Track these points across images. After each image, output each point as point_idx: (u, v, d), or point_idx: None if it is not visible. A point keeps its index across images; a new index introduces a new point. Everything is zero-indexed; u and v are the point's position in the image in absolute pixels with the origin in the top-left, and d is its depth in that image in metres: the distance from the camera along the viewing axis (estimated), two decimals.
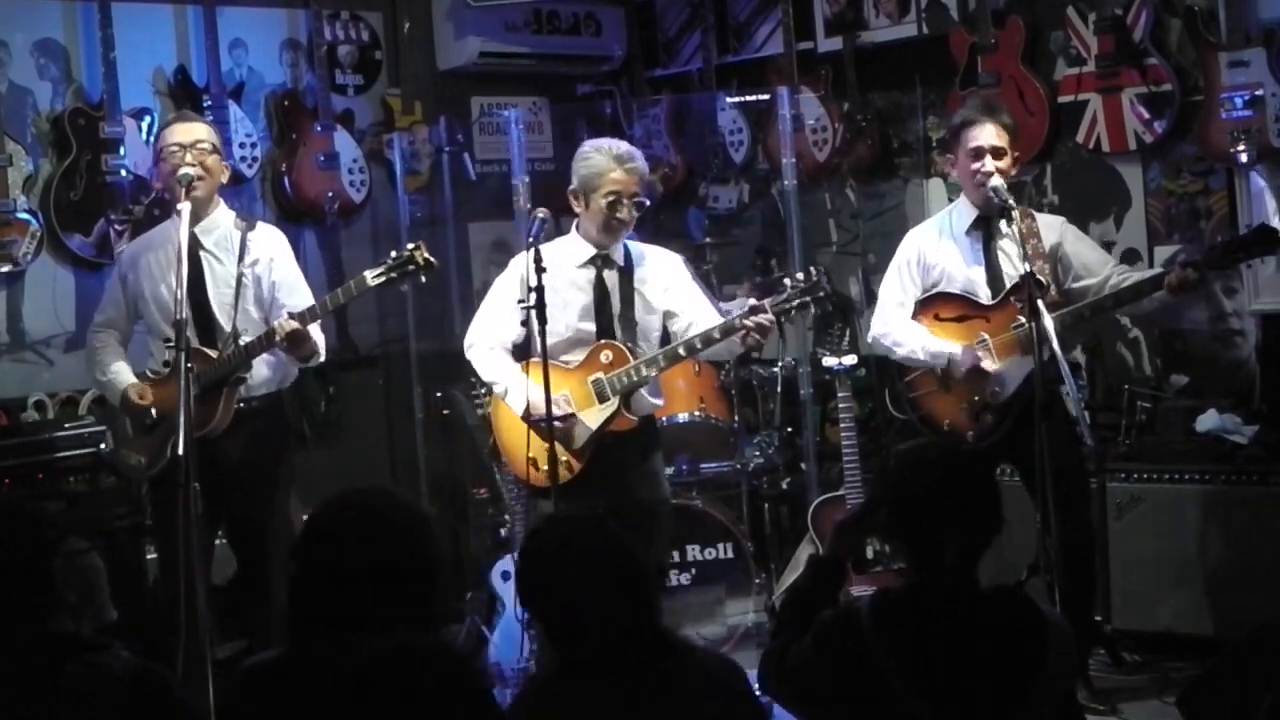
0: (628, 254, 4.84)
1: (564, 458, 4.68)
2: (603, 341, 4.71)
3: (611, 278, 4.77)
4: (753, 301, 4.60)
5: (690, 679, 2.69)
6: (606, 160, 4.69)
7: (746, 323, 4.52)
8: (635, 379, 4.67)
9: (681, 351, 4.70)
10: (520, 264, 4.81)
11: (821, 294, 4.53)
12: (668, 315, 4.85)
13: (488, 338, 4.85)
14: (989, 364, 4.92)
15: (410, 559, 2.67)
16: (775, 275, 6.71)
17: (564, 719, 2.65)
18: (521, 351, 4.85)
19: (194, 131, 4.88)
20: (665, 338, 4.90)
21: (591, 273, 4.76)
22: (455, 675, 2.68)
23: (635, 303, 4.78)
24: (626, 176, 4.67)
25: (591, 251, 4.77)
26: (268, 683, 2.66)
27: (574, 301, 4.71)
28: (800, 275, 4.56)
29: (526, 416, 4.68)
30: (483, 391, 5.24)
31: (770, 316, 4.52)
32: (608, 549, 2.73)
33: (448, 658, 2.72)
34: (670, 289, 4.85)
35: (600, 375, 4.67)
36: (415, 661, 2.63)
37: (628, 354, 4.68)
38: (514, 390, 4.76)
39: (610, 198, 4.67)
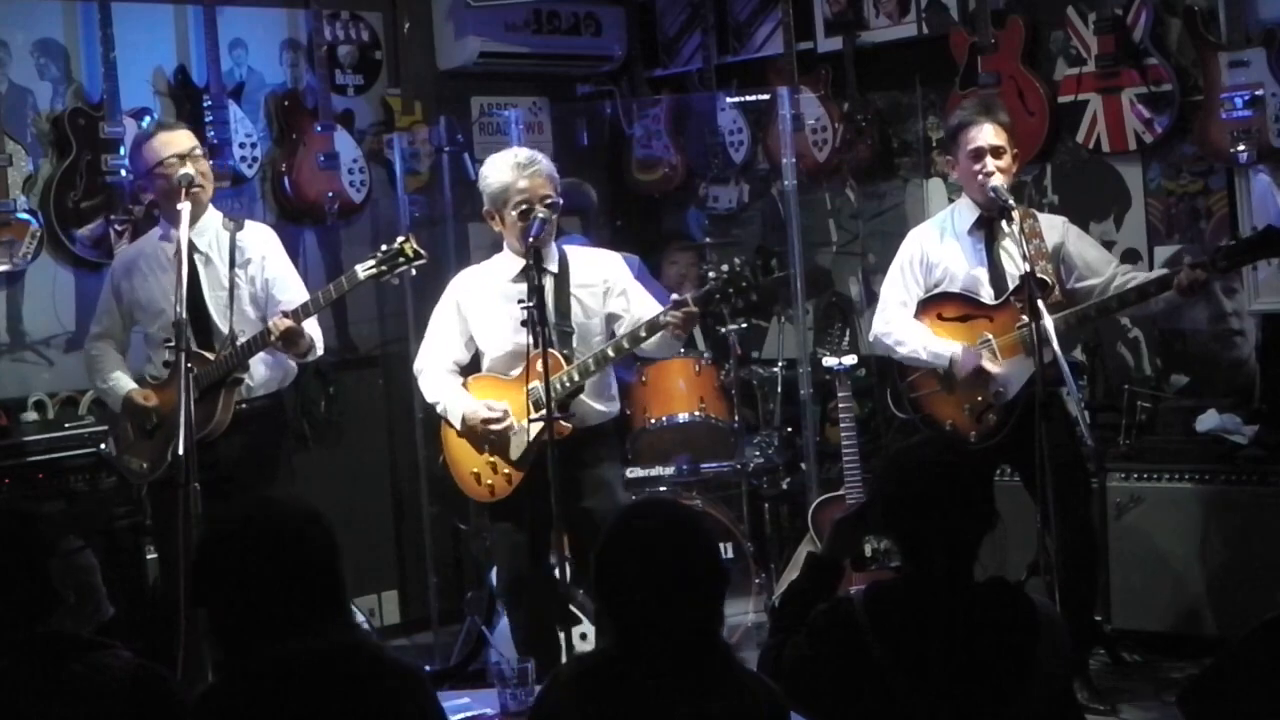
0: (563, 259, 4.76)
1: (505, 470, 4.67)
2: (538, 352, 4.55)
3: (547, 290, 4.65)
4: (675, 296, 4.53)
5: (733, 689, 2.66)
6: (506, 172, 4.63)
7: (669, 318, 4.44)
8: (569, 386, 4.58)
9: (610, 353, 4.61)
10: (454, 287, 4.86)
11: (744, 284, 4.43)
12: (612, 318, 4.79)
13: (435, 361, 4.85)
14: (991, 366, 4.92)
15: (299, 560, 2.65)
16: (775, 276, 6.72)
17: (604, 704, 2.64)
18: (470, 370, 4.85)
19: (188, 139, 4.90)
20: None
21: (524, 287, 4.57)
22: (389, 673, 2.68)
23: (572, 309, 4.71)
24: (530, 182, 4.60)
25: (521, 264, 4.65)
26: (214, 702, 2.66)
27: (509, 314, 4.59)
28: (724, 266, 4.48)
29: (463, 431, 4.71)
30: None
31: (693, 309, 4.44)
32: (697, 544, 2.70)
33: (381, 655, 2.71)
34: (611, 290, 4.78)
35: (537, 384, 4.53)
36: (353, 660, 2.63)
37: (562, 361, 4.60)
38: (450, 405, 4.76)
39: (521, 207, 4.60)
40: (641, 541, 2.70)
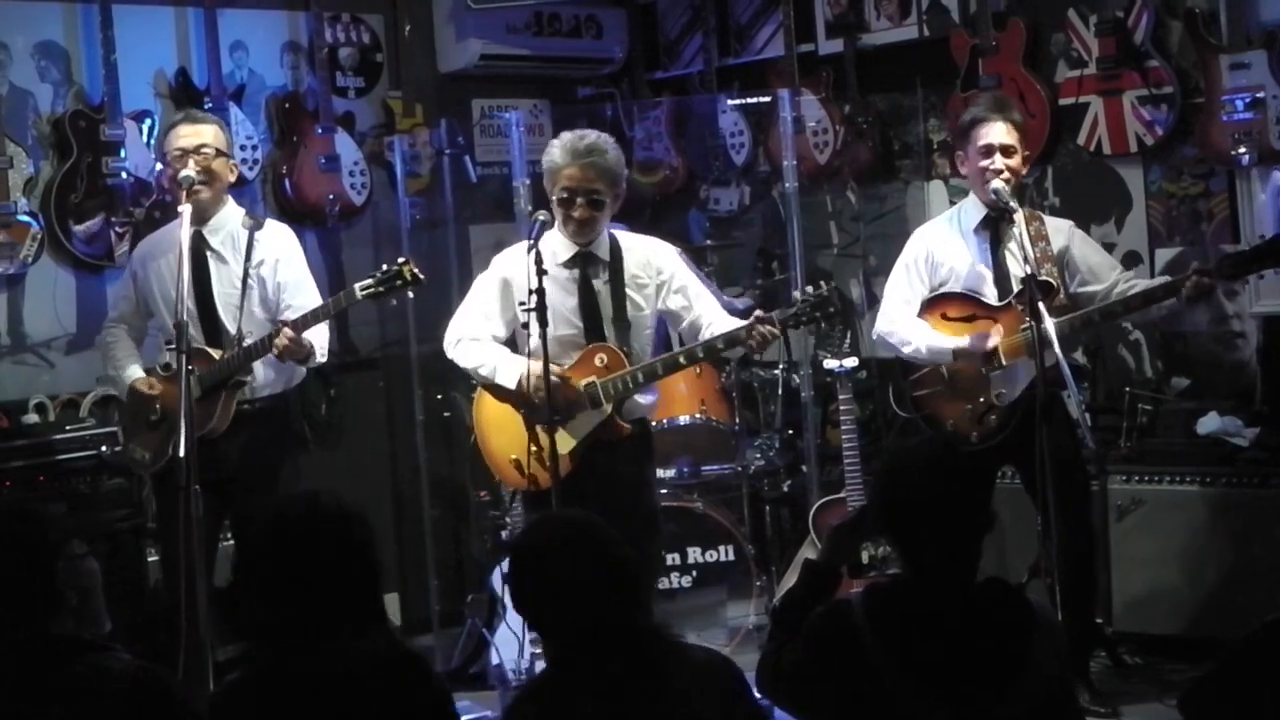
0: (615, 249, 4.66)
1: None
2: (598, 345, 4.57)
3: (599, 280, 4.63)
4: (759, 313, 4.47)
5: (684, 678, 2.69)
6: (561, 155, 4.50)
7: (752, 337, 4.42)
8: (631, 386, 4.54)
9: (683, 360, 4.60)
10: (502, 263, 4.72)
11: (832, 309, 4.44)
12: (670, 316, 4.75)
13: (469, 333, 4.71)
14: (994, 340, 4.88)
15: (347, 559, 2.67)
16: (777, 278, 6.72)
17: (564, 711, 2.65)
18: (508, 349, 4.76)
19: (199, 135, 4.85)
20: (660, 337, 4.83)
21: (575, 273, 4.61)
22: (420, 679, 2.68)
23: (627, 303, 4.64)
24: (580, 172, 4.48)
25: (573, 250, 4.61)
26: (244, 697, 2.66)
27: (561, 302, 4.56)
28: (810, 289, 4.44)
29: (518, 391, 4.53)
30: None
31: (775, 330, 4.42)
32: (594, 548, 2.75)
33: (412, 661, 2.72)
34: (667, 286, 4.70)
35: (594, 379, 4.54)
36: (381, 666, 2.63)
37: (623, 359, 4.55)
38: (502, 367, 4.60)
39: (563, 194, 4.51)
40: (543, 556, 2.77)
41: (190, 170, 4.73)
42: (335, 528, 2.70)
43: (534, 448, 4.52)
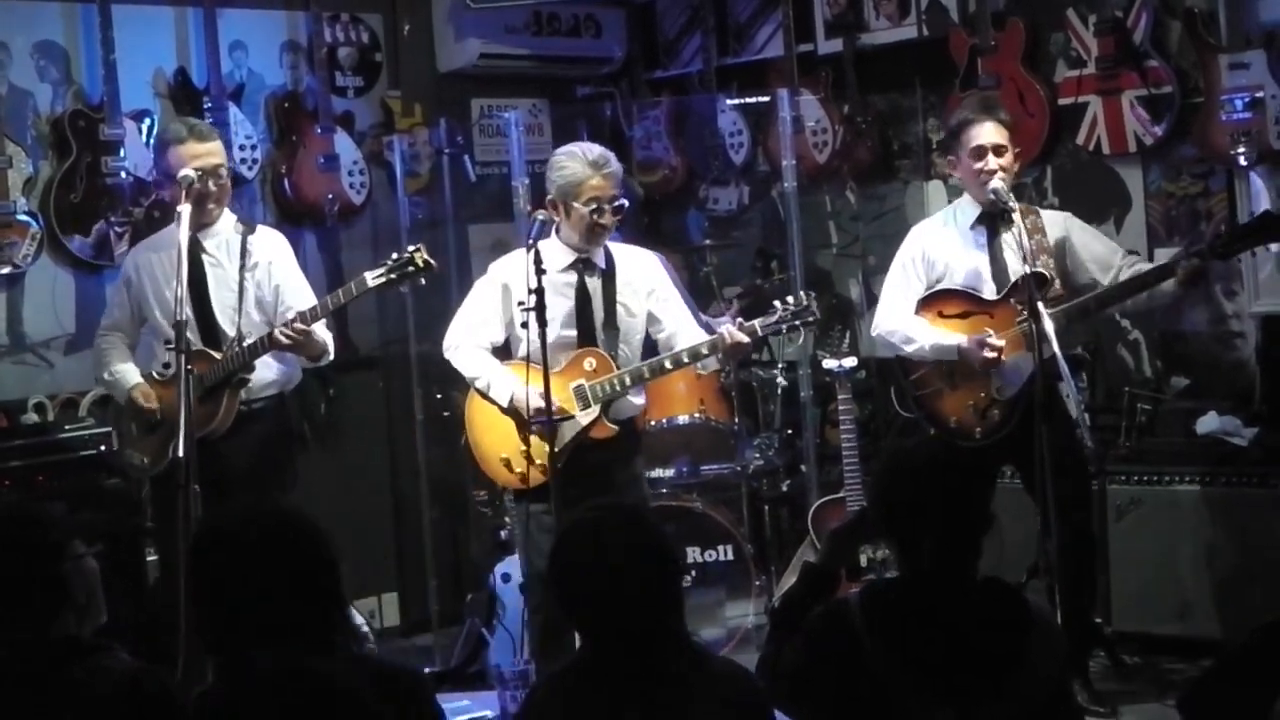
0: (609, 257, 4.79)
1: (539, 460, 4.64)
2: (586, 348, 4.67)
3: (594, 284, 4.73)
4: (741, 321, 4.61)
5: (707, 686, 2.68)
6: (583, 168, 4.62)
7: (730, 341, 4.55)
8: (617, 389, 4.64)
9: (668, 365, 4.69)
10: (501, 269, 4.81)
11: (811, 319, 4.58)
12: (650, 320, 4.83)
13: (469, 339, 4.81)
14: (996, 347, 4.88)
15: (302, 570, 2.65)
16: (776, 278, 6.72)
17: (581, 706, 2.65)
18: (503, 354, 4.83)
19: (213, 155, 4.84)
20: (649, 341, 4.88)
21: (574, 277, 4.71)
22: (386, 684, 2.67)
23: (618, 309, 4.75)
24: (604, 182, 4.62)
25: (573, 256, 4.72)
26: (211, 707, 2.66)
27: (556, 306, 4.59)
28: (791, 300, 4.57)
29: (510, 408, 4.66)
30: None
31: (746, 339, 4.55)
32: (649, 544, 2.73)
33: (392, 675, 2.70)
34: (654, 293, 4.83)
35: (582, 381, 4.63)
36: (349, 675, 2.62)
37: (611, 363, 4.66)
38: (496, 383, 4.71)
39: (591, 205, 4.62)
40: (590, 543, 2.73)
41: (190, 172, 4.71)
42: (295, 538, 2.68)
43: (524, 447, 4.65)
